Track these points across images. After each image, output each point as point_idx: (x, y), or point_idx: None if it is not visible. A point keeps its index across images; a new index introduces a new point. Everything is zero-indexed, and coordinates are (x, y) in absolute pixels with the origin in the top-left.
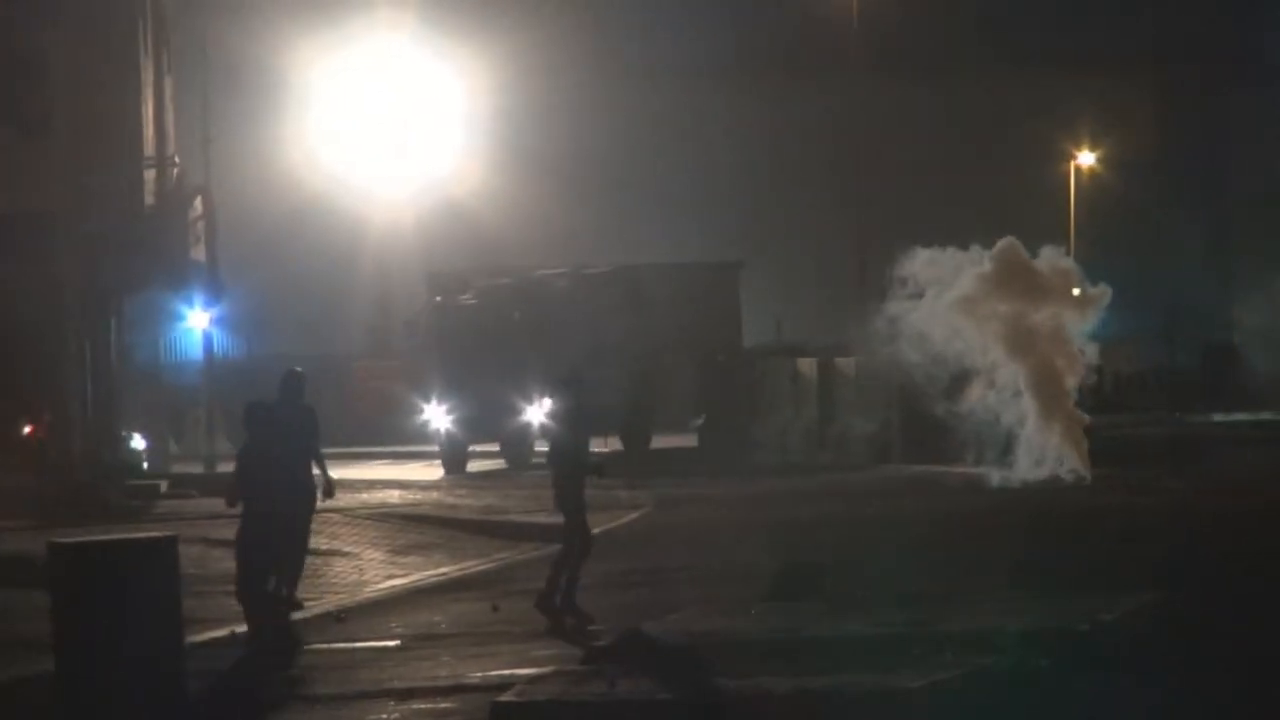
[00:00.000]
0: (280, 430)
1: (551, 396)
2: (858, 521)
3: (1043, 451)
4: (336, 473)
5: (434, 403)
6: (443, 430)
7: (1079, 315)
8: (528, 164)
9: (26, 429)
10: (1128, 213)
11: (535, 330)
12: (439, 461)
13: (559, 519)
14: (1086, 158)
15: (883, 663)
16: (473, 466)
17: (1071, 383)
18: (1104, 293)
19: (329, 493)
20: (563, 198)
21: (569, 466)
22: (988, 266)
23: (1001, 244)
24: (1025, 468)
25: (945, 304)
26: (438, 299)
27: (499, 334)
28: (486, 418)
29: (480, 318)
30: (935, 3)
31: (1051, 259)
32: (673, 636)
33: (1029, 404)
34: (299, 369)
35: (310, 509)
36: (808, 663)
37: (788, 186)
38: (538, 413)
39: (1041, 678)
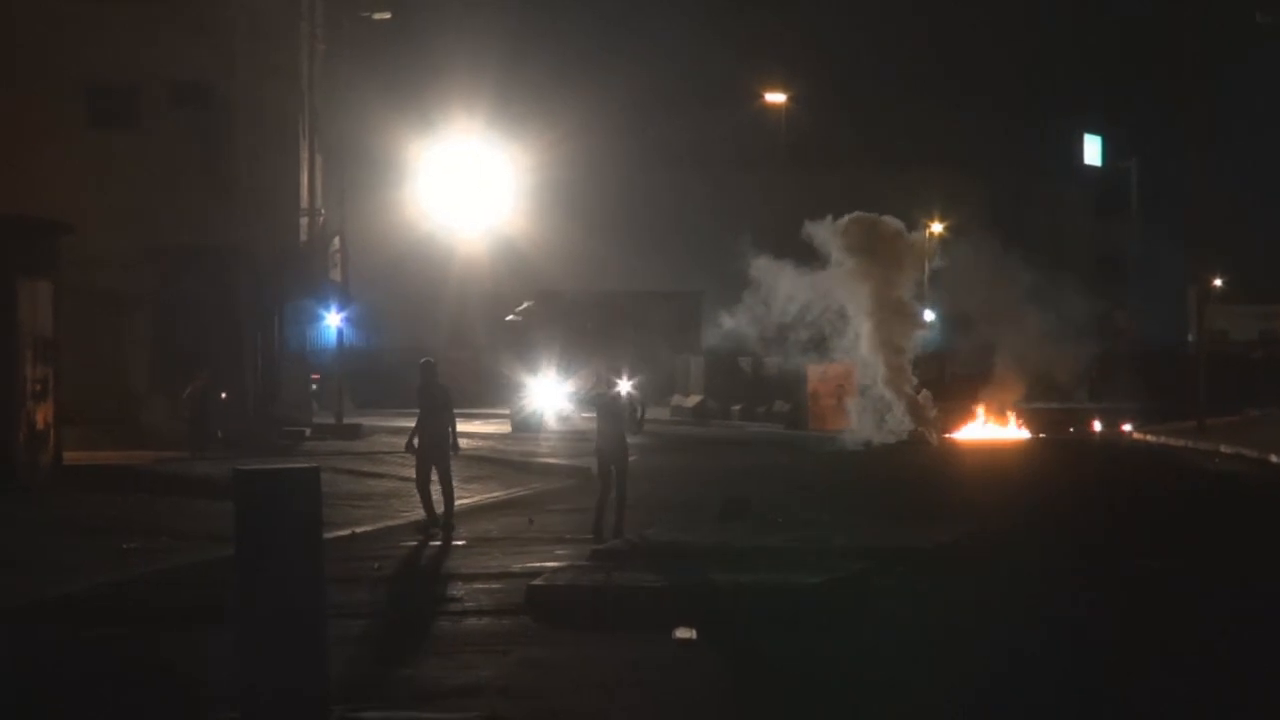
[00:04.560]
0: (426, 402)
1: (588, 388)
2: (776, 468)
3: (899, 419)
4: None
5: (527, 382)
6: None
7: (908, 268)
8: (564, 217)
9: (190, 388)
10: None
11: (582, 337)
12: (507, 421)
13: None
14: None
15: (791, 566)
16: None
17: (907, 349)
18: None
19: (455, 449)
20: (587, 241)
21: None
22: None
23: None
24: (891, 432)
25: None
26: (532, 305)
27: (564, 338)
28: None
29: (556, 325)
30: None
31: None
32: (647, 544)
33: (880, 378)
34: (430, 359)
35: (448, 458)
36: (741, 564)
37: (738, 234)
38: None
39: (898, 579)
